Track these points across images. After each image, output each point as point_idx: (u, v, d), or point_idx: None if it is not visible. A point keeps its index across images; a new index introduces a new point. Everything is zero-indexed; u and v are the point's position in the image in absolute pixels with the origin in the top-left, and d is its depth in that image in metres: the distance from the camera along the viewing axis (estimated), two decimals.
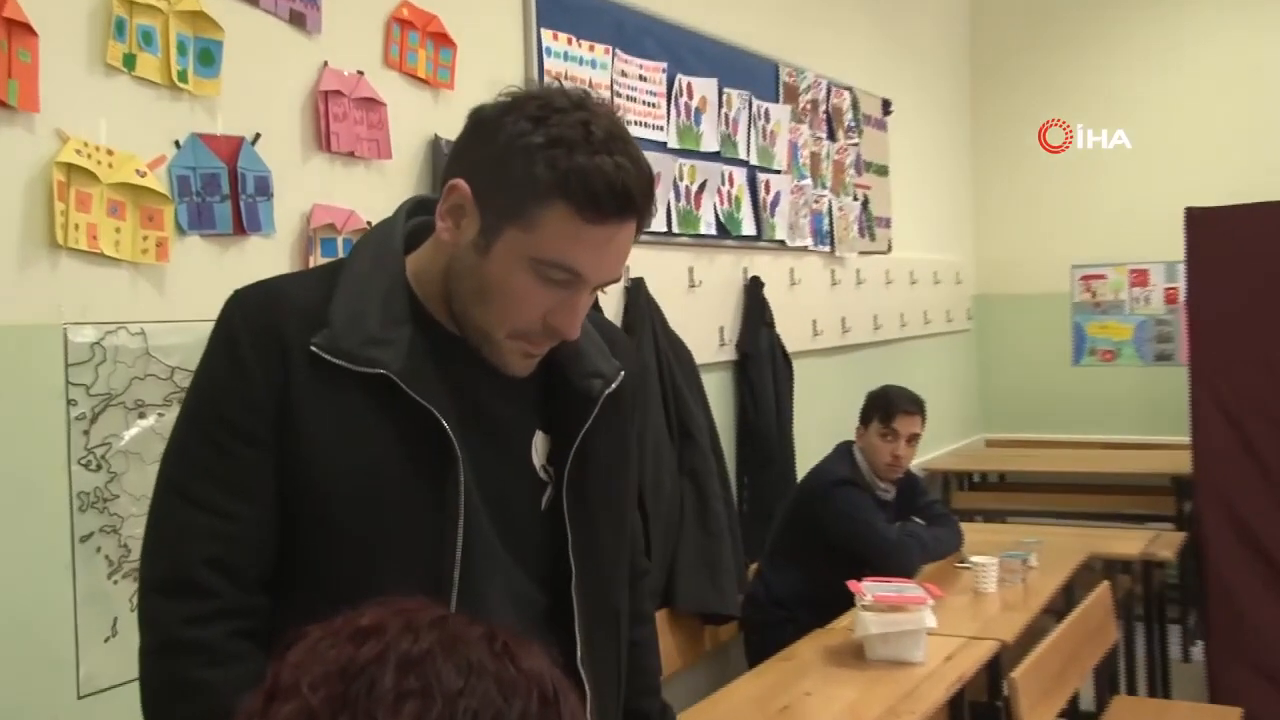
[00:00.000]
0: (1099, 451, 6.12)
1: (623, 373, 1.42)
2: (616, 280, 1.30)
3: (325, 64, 2.56)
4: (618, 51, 3.52)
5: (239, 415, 1.25)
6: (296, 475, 1.26)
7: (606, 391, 1.38)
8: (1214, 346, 4.33)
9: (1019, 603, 3.22)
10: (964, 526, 4.34)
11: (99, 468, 2.11)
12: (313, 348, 1.24)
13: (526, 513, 1.35)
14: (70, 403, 2.07)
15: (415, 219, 1.38)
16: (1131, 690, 4.16)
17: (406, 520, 1.26)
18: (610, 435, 1.40)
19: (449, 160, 1.31)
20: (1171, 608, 4.84)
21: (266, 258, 2.41)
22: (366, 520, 1.25)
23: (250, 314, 1.28)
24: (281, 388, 1.24)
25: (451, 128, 2.87)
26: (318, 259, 2.51)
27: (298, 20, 2.51)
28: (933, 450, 5.86)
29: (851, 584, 2.77)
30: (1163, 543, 4.20)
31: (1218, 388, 4.32)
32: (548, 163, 1.19)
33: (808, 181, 4.62)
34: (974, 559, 3.36)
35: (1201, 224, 4.42)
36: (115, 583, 2.13)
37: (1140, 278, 6.52)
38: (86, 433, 2.10)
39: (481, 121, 1.26)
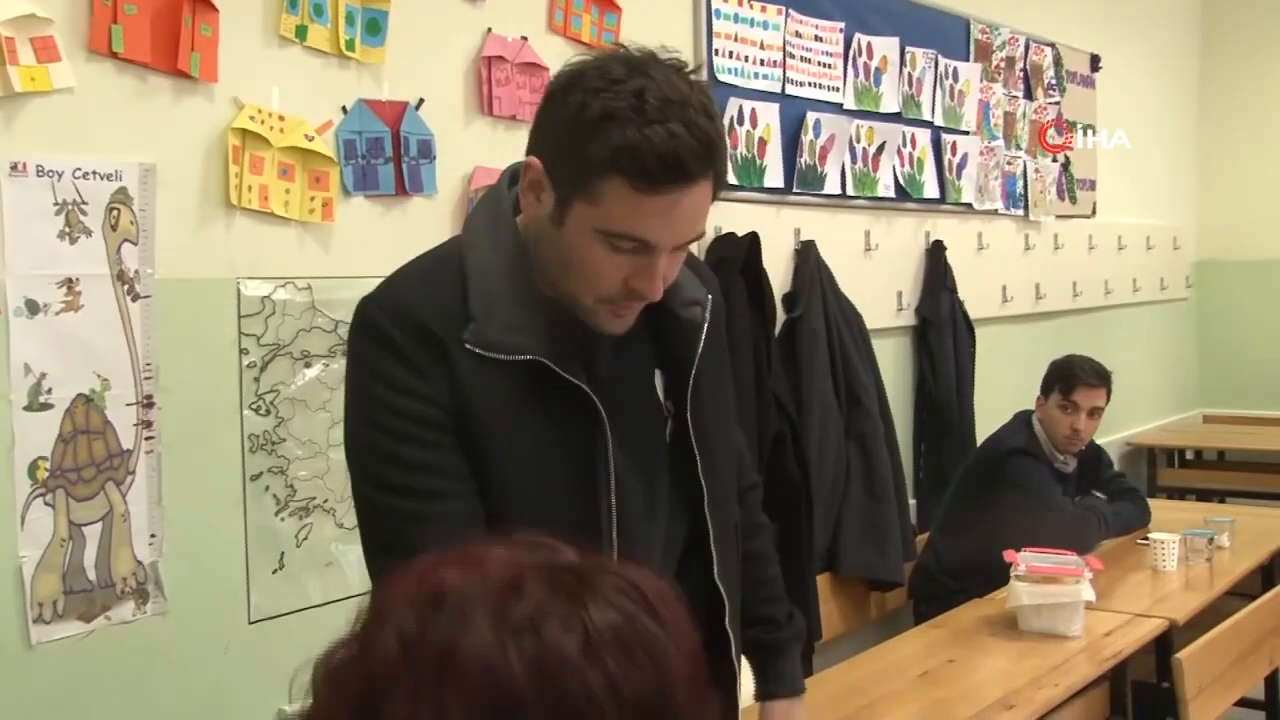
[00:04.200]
0: None
1: (711, 295, 1.45)
2: (696, 239, 1.31)
3: (489, 30, 2.66)
4: (791, 12, 3.48)
5: (426, 409, 1.29)
6: (475, 460, 1.31)
7: (706, 317, 1.42)
8: None
9: (1201, 583, 3.05)
10: (1168, 504, 4.14)
11: (268, 413, 2.28)
12: (467, 345, 1.28)
13: (658, 449, 1.41)
14: (242, 351, 2.24)
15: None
16: None
17: (565, 489, 1.33)
18: (712, 360, 1.44)
19: (531, 132, 1.33)
20: None
21: (428, 217, 2.53)
22: (533, 497, 1.31)
23: (397, 316, 1.30)
24: (450, 380, 1.29)
25: None
26: None
27: None
28: (1140, 424, 5.58)
29: (1008, 553, 2.69)
30: None
31: None
32: (601, 138, 1.20)
33: (999, 143, 4.46)
34: (1154, 535, 3.19)
35: None
36: (282, 520, 2.30)
37: None
38: (257, 380, 2.26)
39: (551, 94, 1.28)
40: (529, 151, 1.30)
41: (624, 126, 1.20)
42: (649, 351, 1.42)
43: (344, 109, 2.39)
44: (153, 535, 2.12)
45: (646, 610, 0.69)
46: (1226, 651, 2.64)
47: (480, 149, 2.64)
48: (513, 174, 1.41)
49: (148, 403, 2.11)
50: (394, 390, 1.29)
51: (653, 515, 1.40)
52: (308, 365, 2.32)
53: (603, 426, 1.32)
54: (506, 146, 2.69)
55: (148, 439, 2.11)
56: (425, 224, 2.52)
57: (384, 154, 2.46)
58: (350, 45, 2.39)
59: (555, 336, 1.31)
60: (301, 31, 2.32)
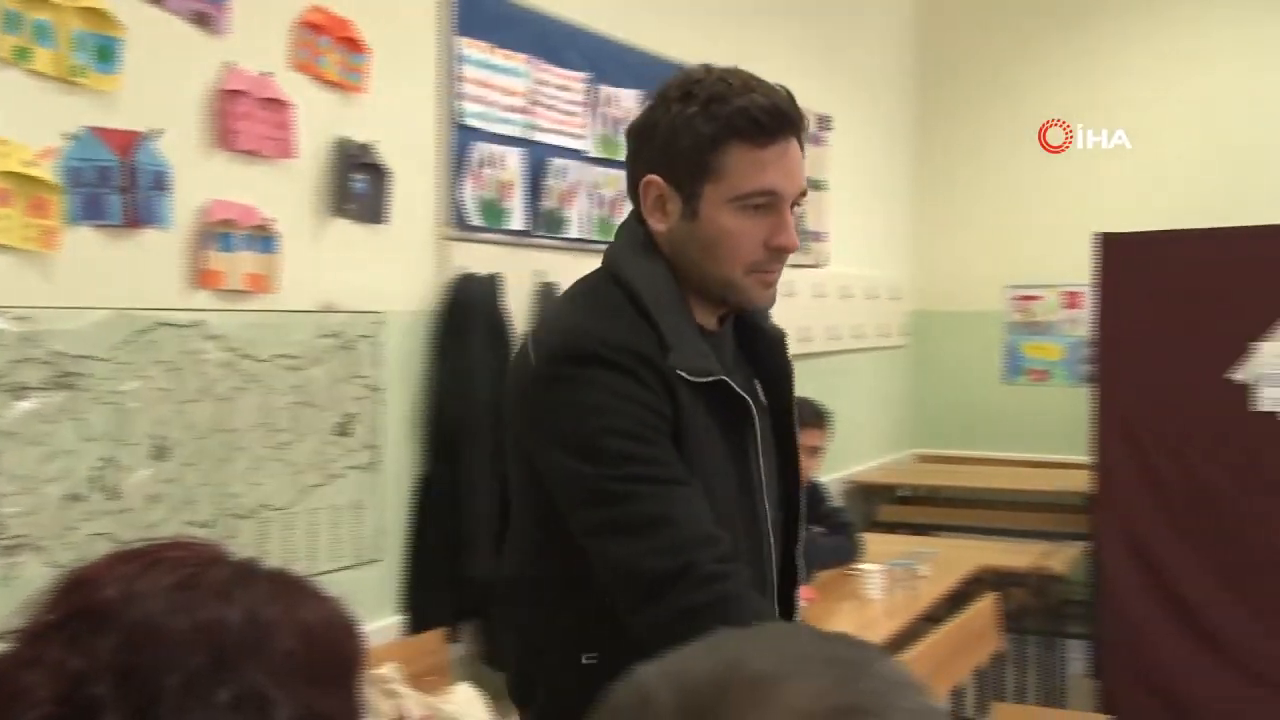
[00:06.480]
0: (1027, 469, 6.23)
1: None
2: (805, 192, 1.52)
3: (231, 64, 2.64)
4: (538, 61, 3.60)
5: (661, 421, 1.45)
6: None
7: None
8: (1120, 370, 4.45)
9: (901, 609, 3.32)
10: (883, 538, 4.46)
11: None
12: (679, 371, 1.45)
13: (773, 451, 1.65)
14: None
15: None
16: (1021, 701, 4.26)
17: (738, 497, 1.54)
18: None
19: (628, 175, 1.56)
20: (1079, 624, 4.95)
21: (162, 249, 2.49)
22: (722, 507, 1.48)
23: (618, 347, 1.44)
24: (672, 400, 1.45)
25: (362, 129, 2.97)
26: (215, 253, 2.58)
27: (202, 20, 2.58)
28: (861, 463, 5.96)
29: None
30: (1058, 558, 4.31)
31: (1119, 409, 4.43)
32: (709, 118, 1.44)
33: None
34: (861, 566, 3.46)
35: (1114, 249, 4.54)
36: None
37: (1073, 300, 6.61)
38: None
39: (639, 129, 1.53)
40: (634, 182, 1.53)
41: (726, 102, 1.44)
42: (746, 362, 1.64)
43: (71, 136, 2.33)
44: None
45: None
46: (917, 670, 2.88)
47: (219, 183, 2.62)
48: (635, 219, 1.57)
49: None
50: (633, 402, 1.43)
51: (775, 507, 1.62)
52: (22, 399, 2.24)
53: (755, 437, 1.55)
54: (246, 180, 2.68)
55: None
56: (159, 256, 2.47)
57: (112, 183, 2.40)
58: (78, 71, 2.33)
59: (719, 358, 1.52)
60: (22, 53, 2.25)
